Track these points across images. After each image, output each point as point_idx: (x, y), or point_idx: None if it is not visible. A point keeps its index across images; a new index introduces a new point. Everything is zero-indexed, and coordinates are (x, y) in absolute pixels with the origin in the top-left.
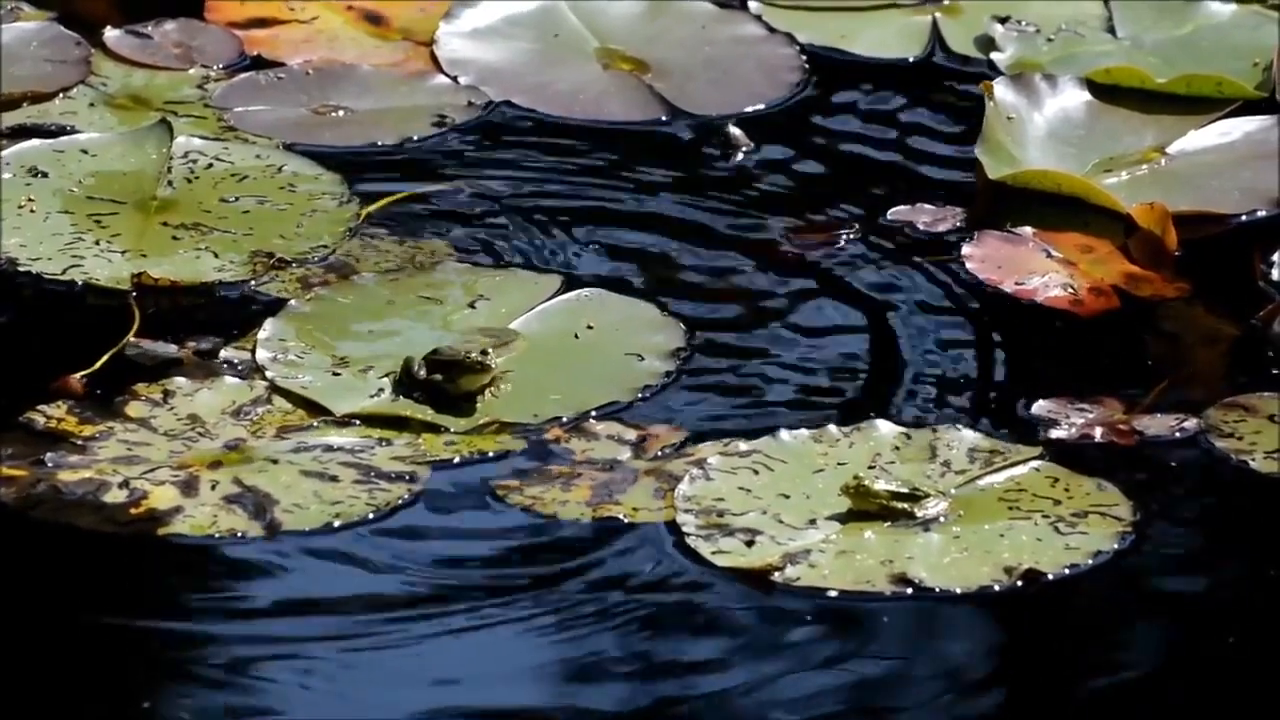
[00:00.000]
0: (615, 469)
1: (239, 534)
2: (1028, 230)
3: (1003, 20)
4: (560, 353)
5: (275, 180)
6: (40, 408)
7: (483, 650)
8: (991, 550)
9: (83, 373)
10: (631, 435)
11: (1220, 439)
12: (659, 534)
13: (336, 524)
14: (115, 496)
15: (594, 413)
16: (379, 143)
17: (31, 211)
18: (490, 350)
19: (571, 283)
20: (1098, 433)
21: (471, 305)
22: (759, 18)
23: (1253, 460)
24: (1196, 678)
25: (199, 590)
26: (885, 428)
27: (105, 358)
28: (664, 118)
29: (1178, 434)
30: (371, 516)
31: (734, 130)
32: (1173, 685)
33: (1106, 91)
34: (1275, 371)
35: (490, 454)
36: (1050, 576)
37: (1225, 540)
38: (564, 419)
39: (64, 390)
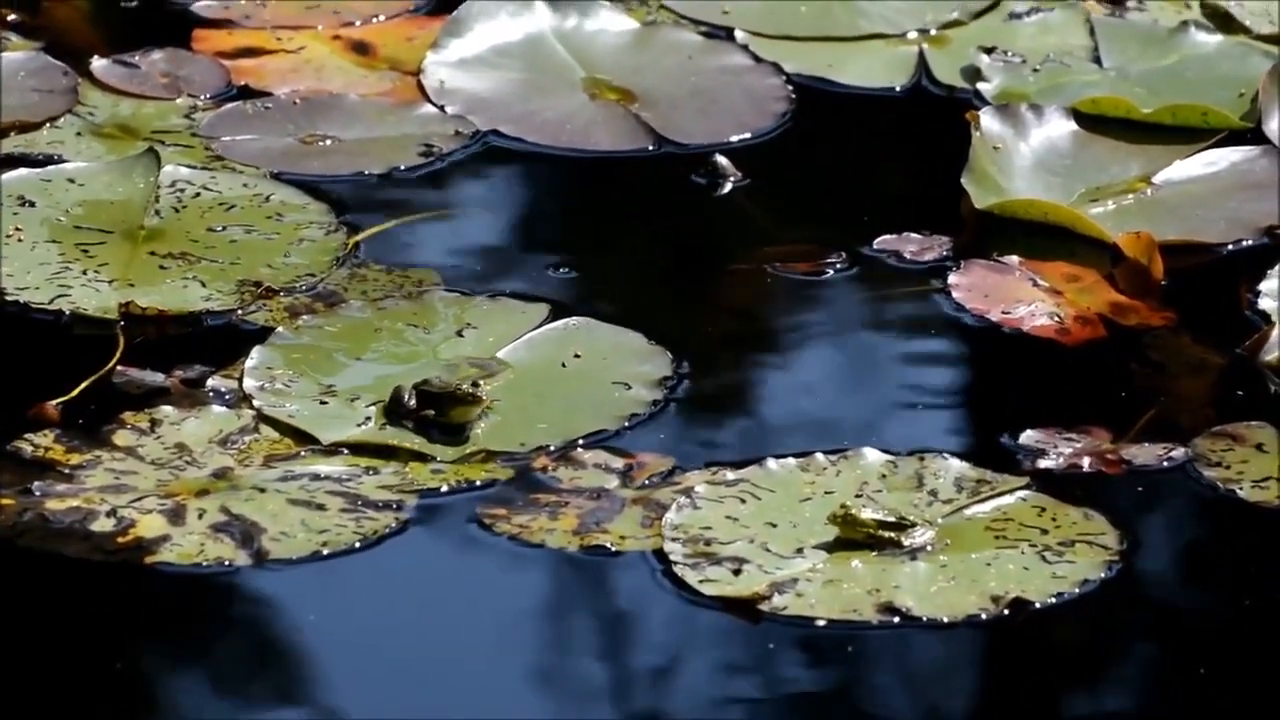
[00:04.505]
0: (602, 497)
1: (226, 563)
2: (1014, 259)
3: (989, 51)
4: (547, 381)
5: (263, 209)
6: (27, 436)
7: (468, 678)
8: (978, 579)
9: (59, 400)
10: (619, 464)
11: (1208, 468)
12: (646, 562)
13: (324, 552)
14: (103, 525)
15: (581, 441)
16: (366, 172)
17: (19, 241)
18: (481, 382)
19: (558, 311)
20: (1085, 462)
21: (459, 334)
22: (745, 47)
23: (1240, 489)
24: (1183, 707)
25: (186, 619)
26: (872, 456)
27: (83, 385)
28: (650, 147)
29: (1165, 463)
30: (358, 545)
31: (721, 160)
32: (1160, 714)
33: (1092, 121)
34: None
35: (477, 482)
36: (1037, 605)
37: (1213, 569)
38: (551, 447)
39: (41, 417)
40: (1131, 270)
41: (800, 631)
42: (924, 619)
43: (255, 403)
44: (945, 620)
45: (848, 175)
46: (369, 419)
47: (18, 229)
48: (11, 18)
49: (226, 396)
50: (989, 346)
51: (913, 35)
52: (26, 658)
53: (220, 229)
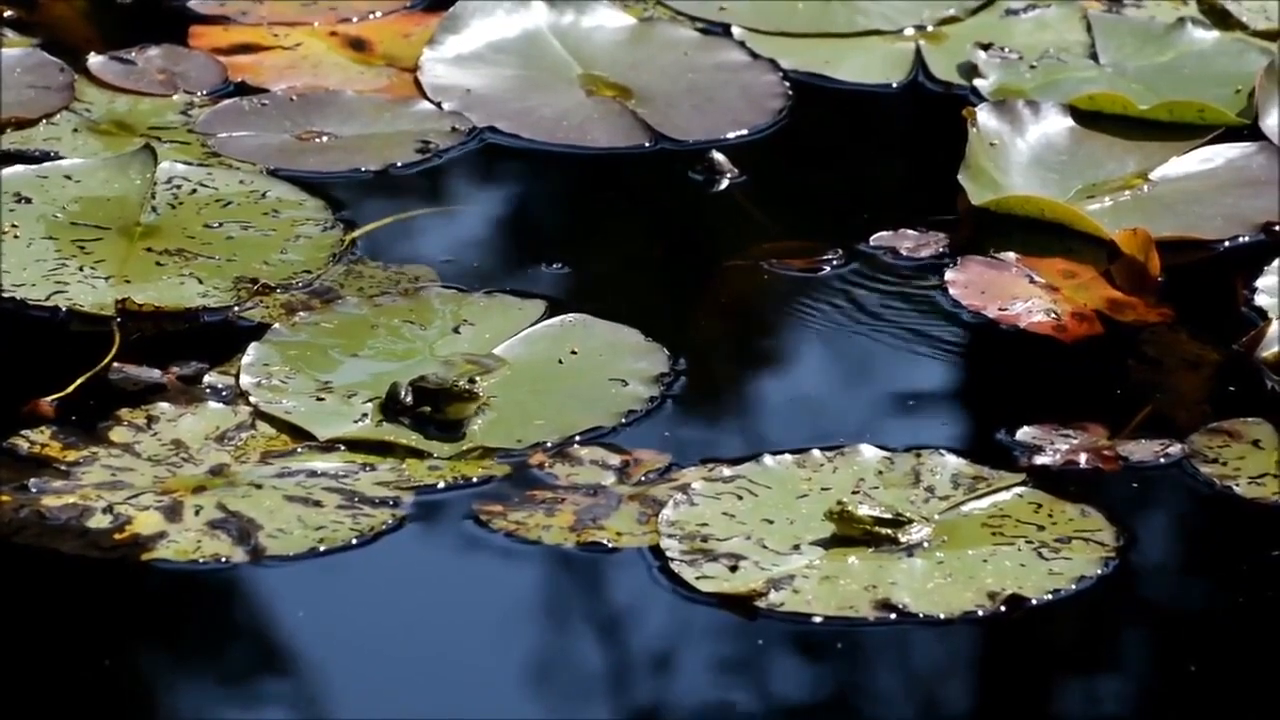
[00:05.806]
0: (599, 494)
1: (222, 559)
2: (1011, 256)
3: (986, 47)
4: (544, 378)
5: (259, 206)
6: (23, 433)
7: (464, 675)
8: (975, 576)
9: (55, 396)
10: (615, 460)
11: (1204, 464)
12: (643, 559)
13: (321, 549)
14: (99, 522)
15: (578, 438)
16: (363, 168)
17: (15, 237)
18: (478, 379)
19: (555, 308)
20: (1082, 458)
21: (456, 330)
22: (742, 44)
23: (1236, 486)
24: (1179, 704)
25: (182, 616)
26: (869, 453)
27: (79, 381)
28: (647, 144)
29: (1161, 459)
30: (355, 542)
31: (718, 156)
32: (1156, 711)
33: (1089, 118)
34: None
35: (474, 479)
36: (1034, 602)
37: (1209, 566)
38: (548, 444)
39: (35, 414)
40: (1128, 266)
41: (797, 628)
42: (920, 616)
43: (252, 399)
44: (942, 617)
45: (844, 172)
46: (366, 415)
47: (14, 226)
48: (8, 14)
49: (223, 393)
50: (985, 343)
51: (909, 32)
52: (23, 655)
53: (217, 225)
